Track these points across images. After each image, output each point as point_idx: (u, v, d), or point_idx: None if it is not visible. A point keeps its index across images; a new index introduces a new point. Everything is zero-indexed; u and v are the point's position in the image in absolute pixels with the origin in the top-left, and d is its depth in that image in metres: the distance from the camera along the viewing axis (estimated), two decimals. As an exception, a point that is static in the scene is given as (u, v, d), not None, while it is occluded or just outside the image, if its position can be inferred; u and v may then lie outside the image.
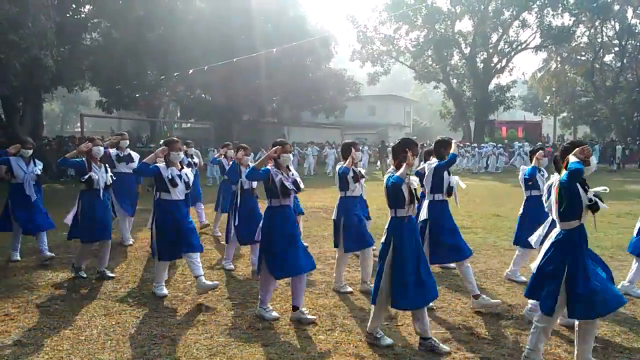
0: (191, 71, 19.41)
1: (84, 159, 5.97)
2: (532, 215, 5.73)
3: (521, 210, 6.08)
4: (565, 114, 43.59)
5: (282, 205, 4.66)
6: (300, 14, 30.08)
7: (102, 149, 6.14)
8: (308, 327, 4.51)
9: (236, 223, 6.17)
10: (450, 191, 5.10)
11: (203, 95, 30.30)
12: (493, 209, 11.85)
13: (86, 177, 5.85)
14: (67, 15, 20.34)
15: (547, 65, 41.14)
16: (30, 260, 6.97)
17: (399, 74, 63.42)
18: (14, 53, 14.43)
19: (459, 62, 37.46)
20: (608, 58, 38.84)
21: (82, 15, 21.90)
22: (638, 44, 35.71)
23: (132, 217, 8.11)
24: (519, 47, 35.79)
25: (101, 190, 6.00)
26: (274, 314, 4.73)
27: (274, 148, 4.67)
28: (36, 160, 6.96)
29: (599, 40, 36.30)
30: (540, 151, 6.03)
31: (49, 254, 6.80)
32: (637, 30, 35.35)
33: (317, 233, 8.93)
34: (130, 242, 7.95)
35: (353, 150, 5.47)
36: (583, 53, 38.52)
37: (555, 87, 40.71)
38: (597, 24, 34.94)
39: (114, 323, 4.61)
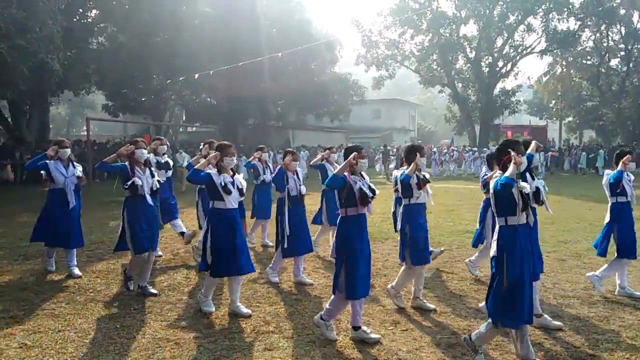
0: (197, 75, 19.51)
1: (126, 163, 5.47)
2: (624, 222, 5.51)
3: (607, 218, 5.65)
4: (570, 119, 43.48)
5: (360, 214, 4.28)
6: (305, 18, 30.20)
7: (145, 152, 5.62)
8: (312, 332, 4.50)
9: (288, 233, 5.77)
10: (538, 197, 3.95)
11: (208, 99, 30.45)
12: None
13: (129, 182, 5.35)
14: (74, 19, 20.52)
15: (553, 70, 41.07)
16: (35, 263, 7.00)
17: (404, 78, 63.48)
18: (22, 57, 14.56)
19: (464, 66, 37.46)
20: (614, 62, 38.76)
21: (89, 20, 22.11)
22: (644, 48, 35.59)
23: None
24: (524, 52, 35.77)
25: (147, 197, 5.49)
26: (334, 334, 4.35)
27: (353, 154, 4.21)
28: (74, 162, 6.39)
29: (605, 44, 36.21)
30: (628, 155, 5.53)
31: (77, 272, 6.26)
32: (643, 35, 35.23)
33: (314, 236, 8.91)
34: (160, 253, 7.43)
35: (418, 155, 5.04)
36: (589, 57, 38.43)
37: (560, 91, 40.61)
38: (602, 28, 34.87)
39: (118, 326, 4.62)
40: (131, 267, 5.64)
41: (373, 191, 4.28)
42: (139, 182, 5.38)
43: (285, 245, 5.81)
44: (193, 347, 4.18)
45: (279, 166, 6.08)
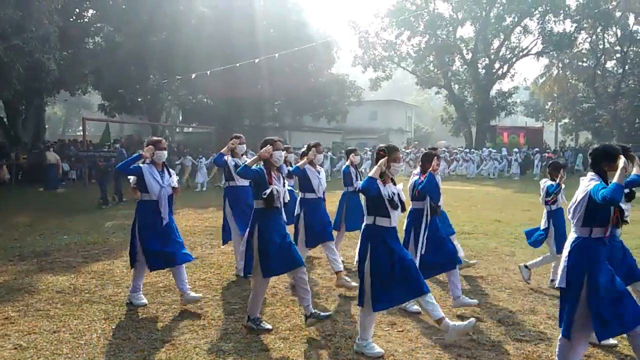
0: (194, 75, 19.50)
1: (262, 166, 4.50)
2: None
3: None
4: (566, 120, 43.65)
5: (604, 236, 3.39)
6: (302, 20, 30.20)
7: (283, 154, 4.70)
8: (308, 332, 4.50)
9: (423, 251, 4.92)
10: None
11: (205, 99, 30.42)
12: (494, 215, 11.84)
13: (268, 191, 4.35)
14: (71, 19, 20.49)
15: (549, 72, 41.23)
16: (30, 264, 6.97)
17: (401, 79, 63.57)
18: (17, 57, 14.53)
19: (460, 68, 37.56)
20: (610, 64, 38.92)
21: (85, 20, 22.08)
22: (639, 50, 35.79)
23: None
24: (521, 53, 35.89)
25: (282, 209, 4.57)
26: None
27: (622, 160, 3.26)
28: (169, 168, 5.31)
29: (601, 46, 36.38)
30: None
31: (192, 294, 5.19)
32: (638, 37, 35.44)
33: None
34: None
35: (626, 160, 3.73)
36: (585, 59, 38.60)
37: (556, 93, 40.77)
38: (598, 30, 35.04)
39: (113, 327, 4.60)
40: (254, 302, 4.55)
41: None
42: (276, 191, 4.42)
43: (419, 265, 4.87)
44: (189, 348, 4.16)
45: (427, 173, 4.94)
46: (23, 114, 22.43)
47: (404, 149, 28.66)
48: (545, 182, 5.89)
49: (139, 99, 25.02)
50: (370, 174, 3.91)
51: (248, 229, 4.57)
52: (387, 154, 4.02)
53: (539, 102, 45.12)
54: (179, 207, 13.01)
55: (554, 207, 5.85)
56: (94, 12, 22.23)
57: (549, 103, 43.64)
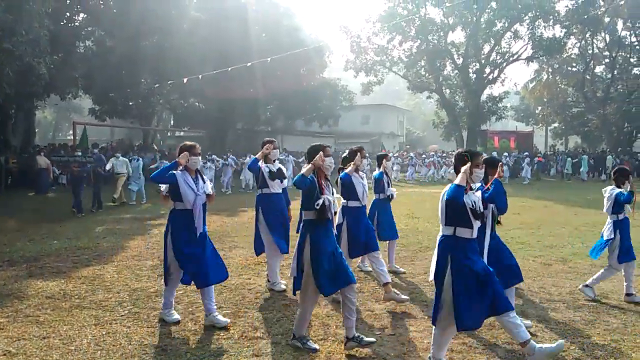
0: (186, 79, 19.47)
1: (313, 176, 4.16)
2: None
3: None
4: (556, 125, 44.06)
5: None
6: (295, 24, 30.31)
7: (332, 159, 4.39)
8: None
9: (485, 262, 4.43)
10: None
11: (197, 103, 30.38)
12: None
13: (320, 202, 4.08)
14: (61, 23, 20.39)
15: (539, 76, 41.61)
16: (20, 269, 6.90)
17: (392, 83, 63.85)
18: (7, 60, 14.42)
19: (451, 73, 37.81)
20: (599, 69, 39.37)
21: (76, 24, 21.99)
22: (628, 55, 36.26)
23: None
24: (511, 58, 36.19)
25: (333, 221, 4.31)
26: None
27: None
28: (203, 175, 4.95)
29: (590, 51, 36.81)
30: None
31: (221, 318, 4.78)
32: (627, 42, 35.93)
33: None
34: (283, 287, 5.91)
35: None
36: (574, 64, 39.03)
37: (546, 97, 41.14)
38: (587, 35, 35.48)
39: (104, 333, 4.57)
40: (301, 320, 4.24)
41: None
42: (329, 201, 4.16)
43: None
44: (180, 353, 4.15)
45: (493, 180, 4.35)
46: (13, 117, 22.24)
47: (394, 155, 28.89)
48: (613, 190, 5.53)
49: (130, 103, 24.93)
50: (457, 182, 3.61)
51: (298, 241, 4.25)
52: (470, 159, 3.73)
53: (529, 107, 45.52)
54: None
55: (621, 216, 5.57)
56: (85, 16, 22.13)
57: (539, 107, 44.04)
